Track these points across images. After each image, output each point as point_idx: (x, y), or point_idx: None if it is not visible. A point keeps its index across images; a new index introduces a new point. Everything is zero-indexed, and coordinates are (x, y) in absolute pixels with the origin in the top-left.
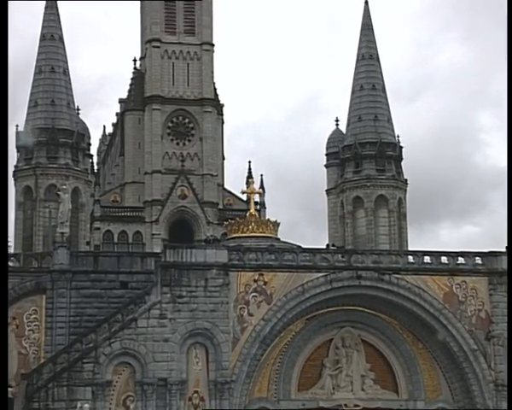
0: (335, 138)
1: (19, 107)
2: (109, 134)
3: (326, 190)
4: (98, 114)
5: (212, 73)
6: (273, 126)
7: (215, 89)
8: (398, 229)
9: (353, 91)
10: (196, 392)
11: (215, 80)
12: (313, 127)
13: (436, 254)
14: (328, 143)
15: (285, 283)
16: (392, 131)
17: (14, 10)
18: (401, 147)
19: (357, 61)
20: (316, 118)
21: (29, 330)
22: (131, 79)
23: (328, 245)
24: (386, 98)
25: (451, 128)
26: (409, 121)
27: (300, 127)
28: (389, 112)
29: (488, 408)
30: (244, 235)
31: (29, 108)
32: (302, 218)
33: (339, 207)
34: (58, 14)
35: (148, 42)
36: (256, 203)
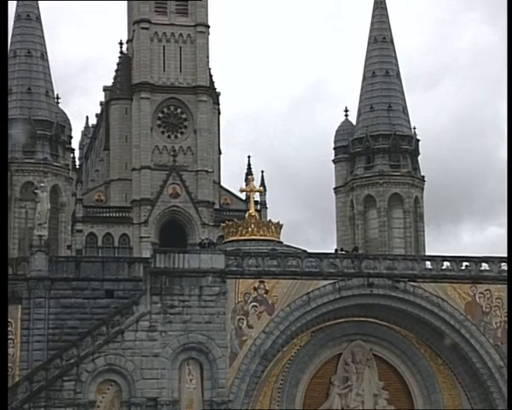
0: (344, 130)
1: None
2: (93, 126)
3: (334, 188)
4: (80, 104)
5: (208, 57)
6: (275, 117)
7: (211, 76)
8: (414, 231)
9: (364, 78)
10: None
11: (210, 66)
12: (319, 118)
13: (457, 260)
14: (336, 135)
15: (288, 291)
16: (408, 122)
17: None
18: (418, 140)
19: (369, 44)
20: (322, 108)
21: None
22: (117, 64)
23: (336, 249)
24: (402, 86)
25: (474, 119)
26: (426, 112)
27: (305, 118)
28: (404, 101)
29: None
30: (243, 238)
31: None
32: (307, 219)
33: (348, 206)
34: None
35: (135, 23)
36: (256, 203)
